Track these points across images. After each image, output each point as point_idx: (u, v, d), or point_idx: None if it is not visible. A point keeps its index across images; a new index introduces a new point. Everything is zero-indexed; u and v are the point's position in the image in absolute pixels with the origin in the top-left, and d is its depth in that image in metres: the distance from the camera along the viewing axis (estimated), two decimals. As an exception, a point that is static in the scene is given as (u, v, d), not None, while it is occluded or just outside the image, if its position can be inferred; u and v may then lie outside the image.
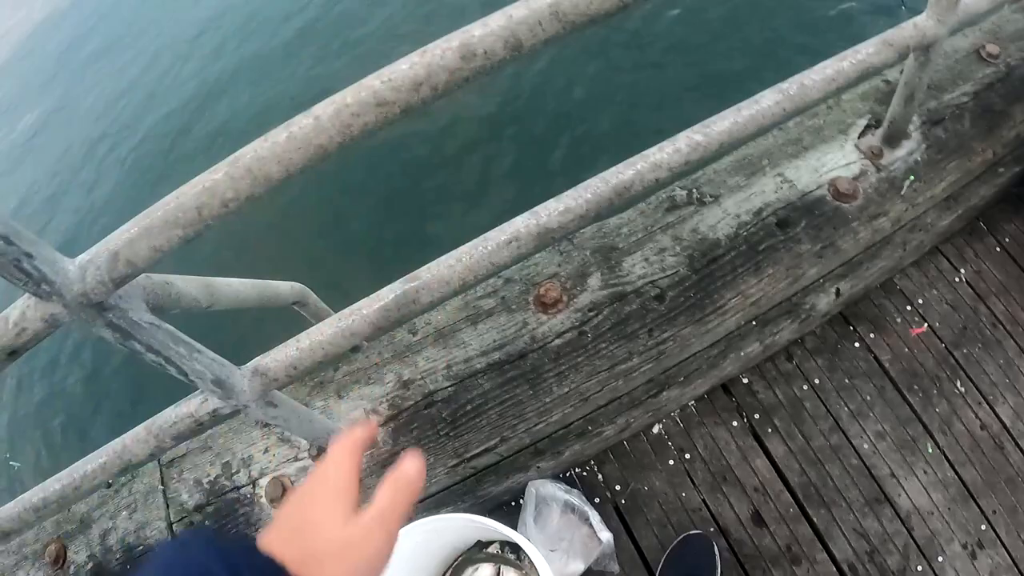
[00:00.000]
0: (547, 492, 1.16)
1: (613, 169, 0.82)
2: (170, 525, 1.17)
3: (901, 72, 1.14)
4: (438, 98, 0.58)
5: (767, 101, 0.88)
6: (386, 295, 0.81)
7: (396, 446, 1.08)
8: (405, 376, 1.13)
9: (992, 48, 1.49)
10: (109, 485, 1.26)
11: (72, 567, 1.20)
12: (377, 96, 0.56)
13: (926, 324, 1.39)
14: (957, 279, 1.42)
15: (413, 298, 0.80)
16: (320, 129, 0.57)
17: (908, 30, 1.00)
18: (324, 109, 0.58)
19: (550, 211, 0.80)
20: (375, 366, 1.16)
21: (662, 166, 0.82)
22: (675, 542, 1.22)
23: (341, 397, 1.15)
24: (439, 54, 0.56)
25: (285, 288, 1.13)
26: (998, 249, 1.46)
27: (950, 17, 1.00)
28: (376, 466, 1.09)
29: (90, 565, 1.19)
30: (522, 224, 0.80)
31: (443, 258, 0.81)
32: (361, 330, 0.80)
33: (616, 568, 1.21)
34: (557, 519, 1.14)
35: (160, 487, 1.21)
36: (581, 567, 1.14)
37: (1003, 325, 1.39)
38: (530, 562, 0.97)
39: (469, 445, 1.07)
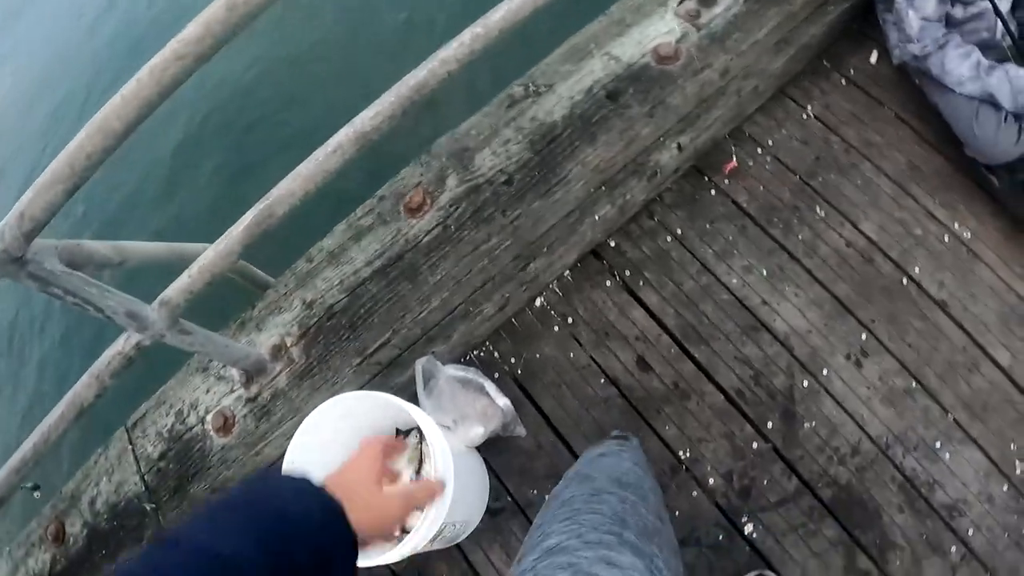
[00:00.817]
0: (434, 368, 1.47)
1: (411, 72, 1.12)
2: (142, 477, 1.49)
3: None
4: (219, 46, 0.88)
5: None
6: (248, 217, 1.12)
7: (310, 359, 1.40)
8: (308, 298, 1.44)
9: None
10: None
11: (71, 539, 1.53)
12: (175, 53, 0.87)
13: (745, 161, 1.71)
14: (805, 116, 1.73)
15: (269, 213, 1.11)
16: (142, 86, 0.87)
17: None
18: (142, 73, 0.88)
19: (364, 119, 1.10)
20: (284, 296, 1.46)
21: (450, 60, 1.12)
22: None
23: (260, 330, 1.45)
24: (212, 10, 0.86)
25: (195, 248, 1.44)
26: (844, 82, 1.76)
27: None
28: (295, 378, 1.39)
29: (85, 532, 1.52)
30: (343, 135, 1.10)
31: (286, 178, 1.12)
32: (234, 248, 1.11)
33: (523, 431, 1.54)
34: (449, 392, 1.46)
35: (129, 447, 1.52)
36: (481, 431, 1.46)
37: (856, 149, 1.70)
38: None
39: (367, 343, 1.37)
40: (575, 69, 1.50)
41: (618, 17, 1.57)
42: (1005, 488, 1.43)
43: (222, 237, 1.12)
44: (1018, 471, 1.45)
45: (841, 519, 1.46)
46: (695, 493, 1.51)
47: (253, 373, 1.41)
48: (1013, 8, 1.64)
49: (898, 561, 1.43)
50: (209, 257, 1.12)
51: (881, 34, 1.69)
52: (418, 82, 1.11)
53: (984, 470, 1.45)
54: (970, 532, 1.42)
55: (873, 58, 1.77)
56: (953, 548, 1.42)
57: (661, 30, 1.54)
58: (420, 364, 1.45)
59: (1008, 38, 1.62)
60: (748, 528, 1.48)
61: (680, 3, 1.57)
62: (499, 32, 1.13)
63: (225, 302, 1.69)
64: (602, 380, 1.58)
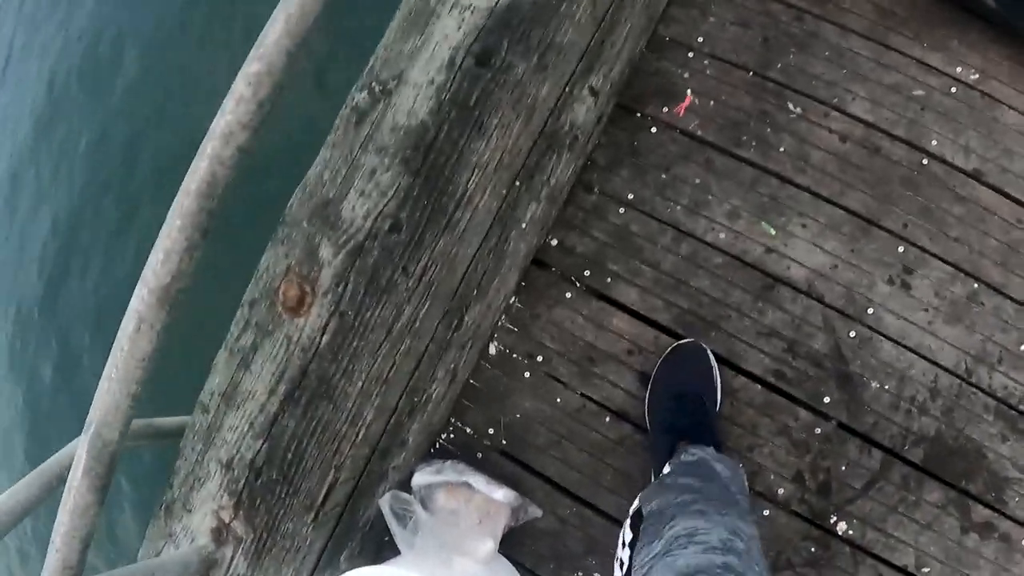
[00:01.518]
0: (401, 502, 1.25)
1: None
2: None
3: None
4: None
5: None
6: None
7: (257, 531, 1.18)
8: (223, 458, 1.19)
9: None
10: None
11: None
12: None
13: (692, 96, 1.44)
14: None
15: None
16: None
17: None
18: None
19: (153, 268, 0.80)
20: (197, 463, 1.22)
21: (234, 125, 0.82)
22: (662, 359, 1.34)
23: (190, 511, 1.22)
24: None
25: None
26: None
27: None
28: (252, 558, 1.19)
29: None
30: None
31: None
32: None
33: (538, 511, 1.34)
34: (432, 523, 1.23)
35: None
36: (491, 543, 1.25)
37: (808, 12, 1.44)
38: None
39: (313, 493, 1.17)
40: (423, 41, 1.20)
41: (455, -54, 1.27)
42: None
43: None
44: None
45: (942, 476, 1.33)
46: (767, 512, 1.33)
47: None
48: None
49: (1017, 497, 1.31)
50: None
51: None
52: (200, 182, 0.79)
53: None
54: None
55: None
56: None
57: (516, -54, 1.25)
58: (385, 506, 1.25)
59: None
60: (841, 527, 1.33)
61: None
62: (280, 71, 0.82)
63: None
64: (607, 418, 1.36)
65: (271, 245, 1.20)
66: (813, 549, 1.32)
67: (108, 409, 0.76)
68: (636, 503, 1.07)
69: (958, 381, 1.33)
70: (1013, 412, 1.32)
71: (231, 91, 0.71)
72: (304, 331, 1.15)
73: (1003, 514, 1.31)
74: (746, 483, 1.23)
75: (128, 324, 0.78)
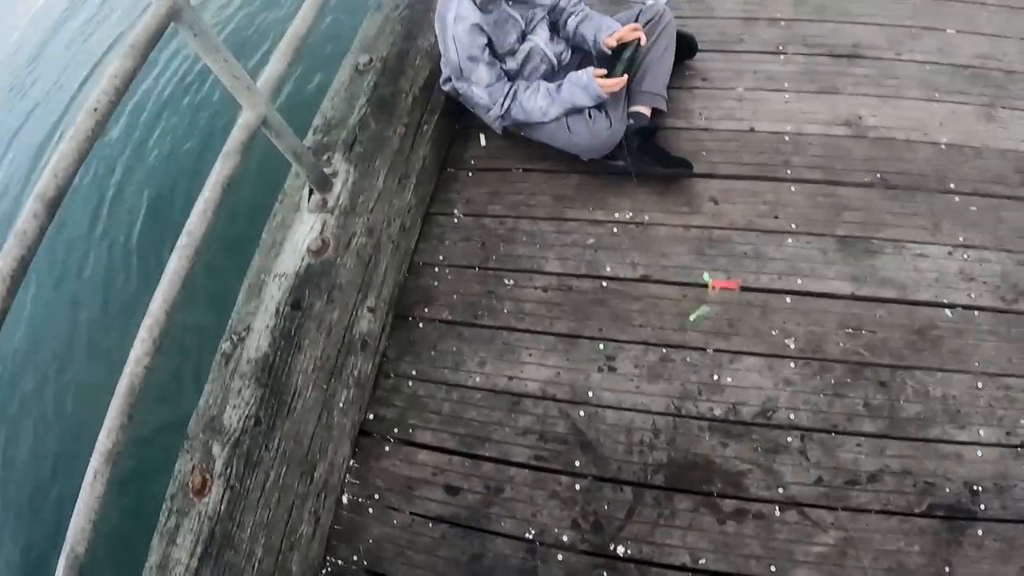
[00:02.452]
0: None
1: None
2: None
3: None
4: None
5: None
6: None
7: None
8: None
9: (364, 57, 2.60)
10: None
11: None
12: None
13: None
14: (456, 220, 2.53)
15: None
16: None
17: (240, 133, 1.88)
18: None
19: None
20: None
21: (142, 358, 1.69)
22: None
23: None
24: None
25: None
26: (471, 174, 2.64)
27: (257, 99, 1.90)
28: None
29: None
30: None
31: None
32: None
33: None
34: None
35: None
36: None
37: (508, 216, 2.56)
38: None
39: None
40: (259, 302, 2.12)
41: (270, 242, 2.23)
42: (793, 366, 2.19)
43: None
44: (792, 348, 2.23)
45: (685, 488, 2.05)
46: (560, 556, 2.03)
47: None
48: (551, 38, 2.56)
49: (753, 483, 2.04)
50: None
51: (474, 118, 2.52)
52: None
53: (763, 366, 2.21)
54: (792, 417, 2.11)
55: (482, 141, 2.64)
56: (788, 438, 2.08)
57: (306, 231, 2.21)
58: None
59: (557, 63, 2.54)
60: (621, 550, 1.99)
61: (310, 200, 2.28)
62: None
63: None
64: (430, 525, 2.10)
65: (180, 455, 1.99)
66: (605, 574, 1.95)
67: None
68: None
69: (672, 418, 2.14)
70: (724, 424, 2.12)
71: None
72: (209, 505, 1.90)
73: (747, 499, 2.00)
74: None
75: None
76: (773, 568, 1.92)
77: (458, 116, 2.66)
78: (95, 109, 1.35)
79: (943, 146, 2.60)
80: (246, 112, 1.84)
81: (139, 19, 1.57)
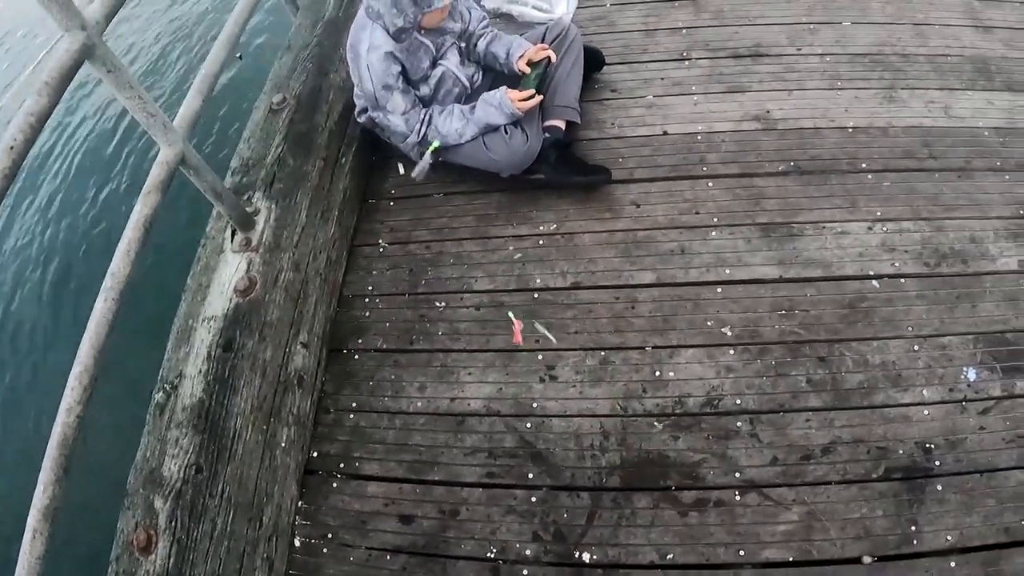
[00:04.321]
0: None
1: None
2: None
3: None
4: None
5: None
6: None
7: None
8: None
9: (277, 97, 2.67)
10: None
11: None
12: None
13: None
14: (381, 250, 2.60)
15: None
16: None
17: (159, 171, 1.90)
18: None
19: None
20: None
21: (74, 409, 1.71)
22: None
23: None
24: None
25: None
26: (392, 204, 2.71)
27: (173, 136, 1.93)
28: None
29: None
30: None
31: None
32: None
33: None
34: None
35: None
36: None
37: (434, 242, 2.67)
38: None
39: None
40: (189, 348, 2.12)
41: (196, 286, 2.25)
42: (732, 353, 2.32)
43: None
44: (729, 335, 2.34)
45: (642, 486, 2.11)
46: (526, 572, 2.06)
47: None
48: (462, 62, 2.67)
49: (709, 472, 2.11)
50: None
51: (394, 149, 2.61)
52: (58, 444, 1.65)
53: (703, 356, 2.32)
54: (738, 402, 2.21)
55: (401, 170, 2.73)
56: (738, 423, 2.18)
57: (231, 271, 2.23)
58: None
59: (469, 85, 2.65)
60: (586, 557, 2.03)
61: (233, 240, 2.31)
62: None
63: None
64: (387, 557, 2.11)
65: (121, 513, 1.98)
66: (572, 584, 2.04)
67: None
68: None
69: (619, 419, 2.22)
70: (672, 418, 2.20)
71: None
72: (156, 562, 1.87)
73: (706, 487, 2.07)
74: None
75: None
76: (742, 553, 1.99)
77: (375, 148, 2.75)
78: (11, 147, 1.37)
79: (850, 129, 2.81)
80: (164, 150, 1.89)
81: (51, 56, 1.61)
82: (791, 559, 1.97)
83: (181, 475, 1.97)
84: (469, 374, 2.36)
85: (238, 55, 5.38)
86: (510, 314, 2.44)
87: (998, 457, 2.06)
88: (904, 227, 2.54)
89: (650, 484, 2.12)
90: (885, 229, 2.53)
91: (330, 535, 2.20)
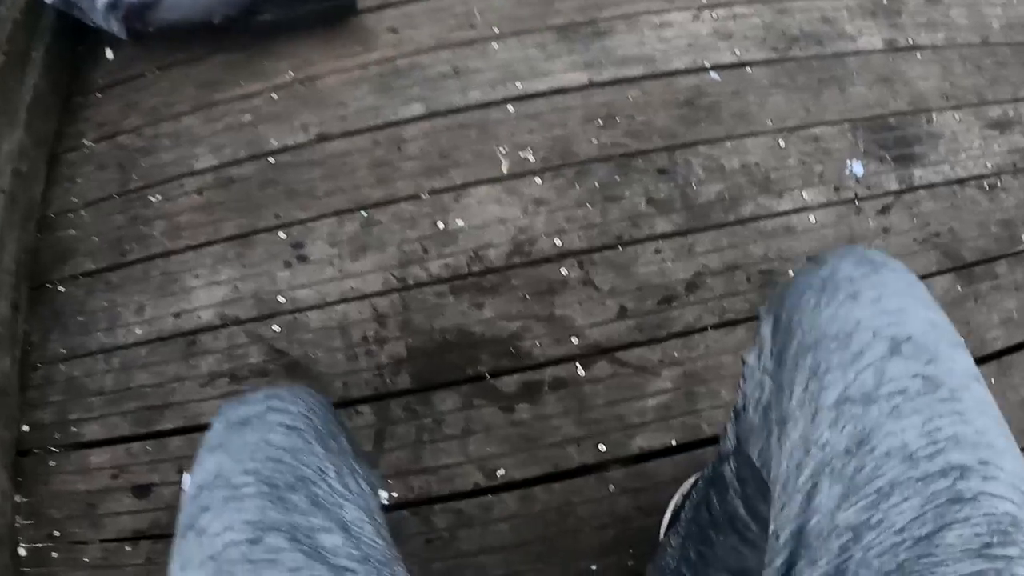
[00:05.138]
0: None
1: None
2: None
3: None
4: None
5: None
6: None
7: None
8: None
9: None
10: None
11: None
12: None
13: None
14: (87, 151, 1.99)
15: None
16: None
17: None
18: None
19: None
20: None
21: None
22: None
23: None
24: None
25: None
26: (101, 95, 2.08)
27: None
28: None
29: None
30: None
31: None
32: None
33: None
34: None
35: None
36: None
37: (147, 125, 1.99)
38: None
39: None
40: None
41: None
42: (540, 182, 1.81)
43: None
44: (533, 161, 1.85)
45: (442, 380, 1.65)
46: None
47: None
48: None
49: (534, 343, 1.66)
50: None
51: (98, 32, 2.03)
52: None
53: (500, 192, 1.81)
54: (558, 242, 1.76)
55: (109, 55, 2.10)
56: (563, 270, 1.73)
57: None
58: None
59: None
60: (383, 495, 1.49)
61: None
62: None
63: None
64: (128, 548, 1.61)
65: None
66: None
67: None
68: None
69: (397, 294, 1.71)
70: (470, 279, 1.72)
71: None
72: None
73: (533, 366, 1.63)
74: None
75: None
76: (603, 447, 1.57)
77: (76, 35, 2.16)
78: None
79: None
80: None
81: None
82: (673, 443, 1.58)
83: None
84: (196, 277, 1.79)
85: None
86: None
87: (914, 262, 1.71)
88: (738, 12, 2.08)
89: (454, 376, 1.65)
90: (715, 16, 2.08)
91: (57, 533, 1.68)
